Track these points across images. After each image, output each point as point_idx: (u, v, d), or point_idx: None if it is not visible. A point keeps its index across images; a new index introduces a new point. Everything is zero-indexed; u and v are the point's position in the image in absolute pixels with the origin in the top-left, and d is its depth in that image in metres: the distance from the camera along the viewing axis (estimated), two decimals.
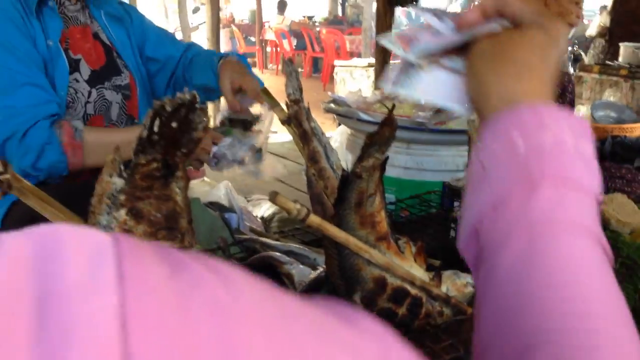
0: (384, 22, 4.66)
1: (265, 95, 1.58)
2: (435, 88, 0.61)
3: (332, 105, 2.11)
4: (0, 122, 1.40)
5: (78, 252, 0.22)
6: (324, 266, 1.19)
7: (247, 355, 0.22)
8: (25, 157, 1.39)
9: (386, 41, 0.65)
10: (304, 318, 0.27)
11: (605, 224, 2.28)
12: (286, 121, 1.42)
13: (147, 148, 0.75)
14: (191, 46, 1.89)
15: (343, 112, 1.99)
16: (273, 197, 0.92)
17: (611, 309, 0.40)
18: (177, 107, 0.72)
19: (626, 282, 1.58)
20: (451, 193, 1.38)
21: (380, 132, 0.99)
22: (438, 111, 1.97)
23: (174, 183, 0.80)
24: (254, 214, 2.27)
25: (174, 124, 0.74)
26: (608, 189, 2.64)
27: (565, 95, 2.57)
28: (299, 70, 12.93)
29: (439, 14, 0.63)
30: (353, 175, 1.01)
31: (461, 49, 0.59)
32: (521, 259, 0.42)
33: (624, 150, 3.57)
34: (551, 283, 0.40)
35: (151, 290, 0.22)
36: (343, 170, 1.06)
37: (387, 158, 1.03)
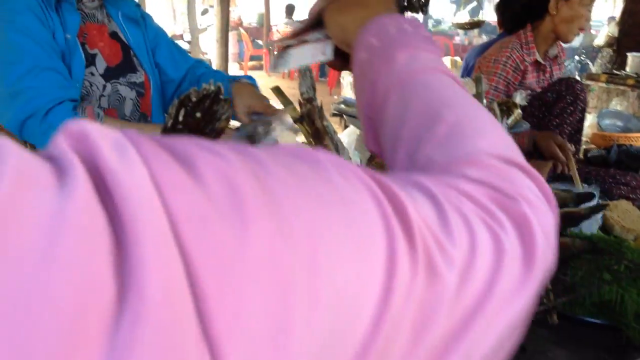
0: None
1: (277, 94, 1.60)
2: (302, 56, 0.80)
3: (342, 105, 2.14)
4: (24, 102, 1.43)
5: (104, 141, 0.25)
6: None
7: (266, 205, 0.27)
8: (46, 135, 1.42)
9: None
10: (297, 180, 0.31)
11: (610, 230, 2.30)
12: (299, 119, 1.45)
13: None
14: (200, 62, 1.92)
15: (352, 113, 2.02)
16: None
17: (472, 100, 0.53)
18: (201, 98, 0.75)
19: (630, 286, 1.60)
20: None
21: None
22: None
23: None
24: None
25: (198, 114, 0.77)
26: (613, 195, 2.66)
27: (577, 104, 2.58)
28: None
29: None
30: None
31: (317, 25, 0.77)
32: (401, 101, 0.54)
33: (629, 159, 3.59)
34: (426, 97, 0.52)
35: (168, 164, 0.26)
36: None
37: None
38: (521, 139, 2.40)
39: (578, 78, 5.39)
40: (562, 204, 1.53)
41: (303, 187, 0.30)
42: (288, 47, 0.81)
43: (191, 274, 0.24)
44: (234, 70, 11.83)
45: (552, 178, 2.86)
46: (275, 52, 0.86)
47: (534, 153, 2.53)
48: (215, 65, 5.65)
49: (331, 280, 0.28)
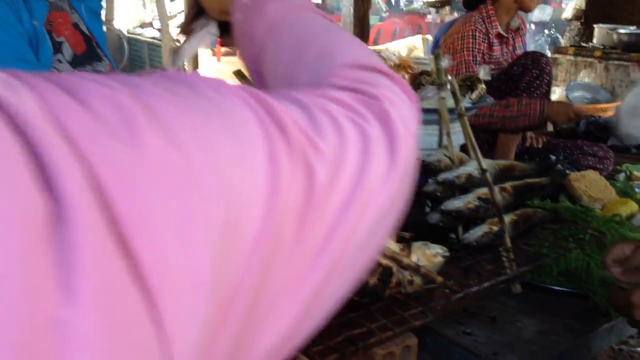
0: (362, 8, 4.67)
1: (240, 78, 1.60)
2: (193, 45, 0.87)
3: None
4: None
5: None
6: None
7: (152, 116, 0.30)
8: None
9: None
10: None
11: (577, 200, 2.34)
12: None
13: None
14: None
15: None
16: None
17: (336, 26, 0.59)
18: None
19: (595, 253, 1.62)
20: (423, 169, 1.41)
21: None
22: (414, 90, 1.99)
23: None
24: None
25: None
26: (580, 166, 2.70)
27: (543, 77, 2.61)
28: None
29: None
30: None
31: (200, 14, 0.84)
32: (275, 44, 0.58)
33: (598, 130, 3.64)
34: (295, 34, 0.57)
35: (56, 92, 0.28)
36: None
37: None
38: (533, 107, 2.51)
39: (548, 52, 5.43)
40: (523, 175, 1.56)
41: (184, 104, 0.32)
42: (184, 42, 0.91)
43: (96, 181, 0.26)
44: (206, 57, 11.69)
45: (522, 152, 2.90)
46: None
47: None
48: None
49: (222, 178, 0.31)
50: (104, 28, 1.80)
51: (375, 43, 9.06)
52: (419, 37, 7.94)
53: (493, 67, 2.35)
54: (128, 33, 8.30)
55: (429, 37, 7.24)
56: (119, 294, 0.25)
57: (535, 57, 2.60)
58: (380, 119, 0.44)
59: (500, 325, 1.46)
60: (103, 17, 1.75)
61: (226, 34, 0.82)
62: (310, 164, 0.36)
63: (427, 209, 1.58)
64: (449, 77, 1.84)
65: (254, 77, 0.65)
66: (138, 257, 0.26)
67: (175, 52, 0.92)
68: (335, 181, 0.38)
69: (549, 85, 2.68)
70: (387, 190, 0.42)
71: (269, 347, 0.36)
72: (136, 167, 0.27)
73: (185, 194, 0.29)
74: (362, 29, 4.47)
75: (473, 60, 2.71)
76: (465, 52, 2.76)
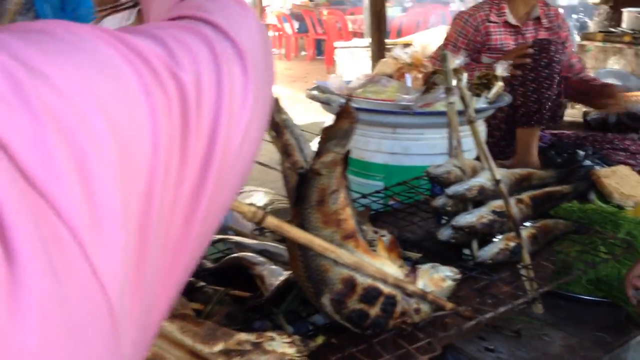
0: (379, 1, 4.57)
1: None
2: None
3: (315, 92, 2.05)
4: None
5: None
6: None
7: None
8: None
9: None
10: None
11: (608, 198, 2.21)
12: None
13: None
14: None
15: (324, 99, 1.92)
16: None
17: None
18: None
19: (627, 259, 1.52)
20: (432, 179, 1.32)
21: (338, 124, 0.93)
22: (424, 92, 1.89)
23: None
24: None
25: None
26: (611, 161, 2.56)
27: (552, 67, 2.46)
28: (303, 53, 12.83)
29: None
30: (312, 172, 0.95)
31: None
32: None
33: (630, 119, 3.46)
34: None
35: None
36: (300, 167, 1.00)
37: (348, 152, 0.97)
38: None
39: (577, 38, 5.23)
40: (542, 183, 1.44)
41: (52, 52, 0.34)
42: None
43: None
44: None
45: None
46: None
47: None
48: None
49: (107, 116, 0.33)
50: None
51: (399, 35, 8.91)
52: (443, 27, 7.77)
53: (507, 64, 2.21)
54: None
55: None
56: (51, 236, 0.28)
57: (543, 46, 2.44)
58: (226, 37, 0.47)
59: (525, 340, 1.37)
60: None
61: None
62: (178, 88, 0.39)
63: (443, 222, 1.48)
64: (463, 77, 1.73)
65: None
66: (51, 199, 0.29)
67: None
68: (201, 99, 0.41)
69: (559, 75, 2.53)
70: (248, 100, 0.46)
71: (185, 264, 0.41)
72: (26, 112, 0.29)
73: (78, 136, 0.31)
74: (378, 23, 4.37)
75: (452, 45, 2.63)
76: (451, 32, 2.68)
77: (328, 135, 0.93)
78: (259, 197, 2.42)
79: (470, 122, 1.26)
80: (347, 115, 0.94)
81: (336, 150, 0.94)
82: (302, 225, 0.97)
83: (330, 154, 0.94)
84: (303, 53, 12.68)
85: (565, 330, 1.43)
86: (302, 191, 0.97)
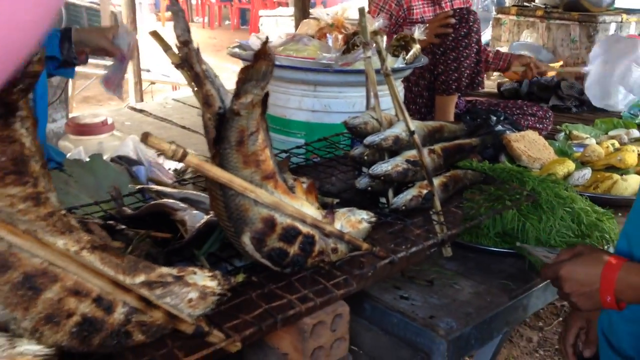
0: None
1: (156, 38, 1.50)
2: None
3: (237, 50, 2.04)
4: None
5: None
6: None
7: None
8: None
9: None
10: None
11: (517, 160, 2.34)
12: (179, 65, 1.36)
13: None
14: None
15: (246, 56, 1.92)
16: (145, 138, 0.87)
17: None
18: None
19: (531, 213, 1.62)
20: (350, 130, 1.36)
21: (256, 65, 0.95)
22: (345, 52, 1.93)
23: (18, 123, 0.73)
24: (166, 167, 2.20)
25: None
26: (521, 126, 2.70)
27: (471, 36, 2.55)
28: (227, 22, 12.59)
29: None
30: (231, 112, 0.97)
31: None
32: None
33: (540, 90, 3.66)
34: None
35: None
36: (219, 107, 1.02)
37: (267, 94, 1.00)
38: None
39: (494, 12, 5.42)
40: (453, 136, 1.51)
41: None
42: None
43: None
44: (151, 22, 11.35)
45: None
46: None
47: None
48: (124, 16, 5.37)
49: None
50: None
51: (324, 6, 8.91)
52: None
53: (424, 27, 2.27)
54: None
55: None
56: None
57: (462, 15, 2.53)
58: None
59: (437, 288, 1.45)
60: None
61: None
62: None
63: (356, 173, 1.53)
64: (382, 38, 1.78)
65: None
66: None
67: None
68: None
69: (478, 44, 2.63)
70: None
71: None
72: None
73: None
74: None
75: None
76: (376, 9, 2.74)
77: (246, 76, 0.94)
78: None
79: (387, 76, 1.31)
80: (264, 56, 0.96)
81: (255, 92, 0.96)
82: (222, 165, 0.99)
83: (249, 95, 0.96)
84: (227, 22, 12.46)
85: (473, 279, 1.53)
86: (221, 131, 0.99)
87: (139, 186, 1.37)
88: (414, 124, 1.30)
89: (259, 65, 0.94)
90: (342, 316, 1.11)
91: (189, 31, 1.32)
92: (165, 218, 1.23)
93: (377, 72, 1.38)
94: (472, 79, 2.63)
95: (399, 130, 1.31)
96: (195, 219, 1.19)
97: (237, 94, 0.95)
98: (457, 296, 1.45)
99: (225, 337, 0.91)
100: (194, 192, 1.30)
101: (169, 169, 2.21)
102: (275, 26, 6.53)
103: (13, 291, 0.74)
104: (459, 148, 1.48)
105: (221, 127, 0.99)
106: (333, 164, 1.68)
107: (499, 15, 4.62)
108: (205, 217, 1.16)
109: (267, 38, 1.06)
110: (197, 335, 0.88)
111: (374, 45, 1.36)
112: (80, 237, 0.78)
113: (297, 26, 4.65)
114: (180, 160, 0.92)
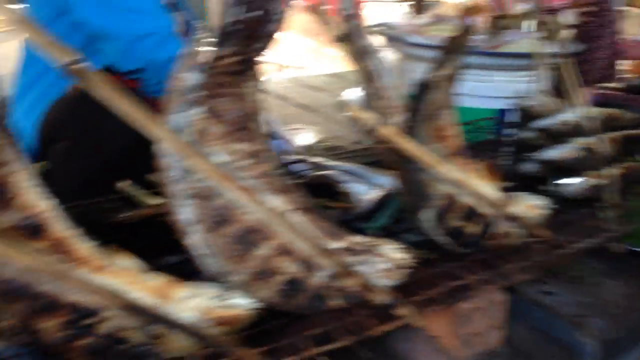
0: None
1: (315, 13, 1.50)
2: None
3: (384, 29, 2.02)
4: None
5: None
6: (386, 186, 1.14)
7: None
8: None
9: None
10: None
11: None
12: (341, 38, 1.35)
13: (224, 40, 0.70)
14: None
15: (395, 35, 1.89)
16: (345, 107, 0.87)
17: None
18: None
19: None
20: (522, 115, 1.30)
21: (460, 36, 0.92)
22: (493, 33, 1.87)
23: (250, 82, 0.74)
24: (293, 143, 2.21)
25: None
26: None
27: (605, 31, 2.42)
28: None
29: None
30: (428, 84, 0.95)
31: None
32: None
33: None
34: None
35: None
36: (416, 81, 1.00)
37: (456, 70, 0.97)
38: None
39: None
40: (631, 124, 1.43)
41: None
42: None
43: None
44: None
45: None
46: None
47: None
48: None
49: None
50: None
51: None
52: None
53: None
54: None
55: None
56: None
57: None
58: None
59: (584, 286, 1.39)
60: None
61: None
62: None
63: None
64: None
65: None
66: None
67: None
68: None
69: (612, 35, 2.49)
70: None
71: None
72: None
73: None
74: None
75: None
76: None
77: (452, 46, 0.92)
78: (309, 136, 2.42)
79: (563, 58, 1.24)
80: (467, 31, 0.93)
81: (454, 65, 0.94)
82: (411, 138, 0.97)
83: (448, 68, 0.94)
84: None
85: (624, 280, 1.44)
86: (415, 103, 0.97)
87: (296, 157, 1.38)
88: (591, 110, 1.23)
89: (462, 37, 0.92)
90: (501, 304, 1.08)
91: (355, 6, 1.31)
92: (324, 189, 1.23)
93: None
94: (606, 71, 2.50)
95: (576, 115, 1.25)
96: (359, 191, 1.18)
97: (440, 65, 0.93)
98: (605, 296, 1.37)
99: (411, 311, 0.90)
100: (358, 165, 1.29)
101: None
102: (379, 11, 6.46)
103: (231, 244, 0.76)
104: (635, 139, 1.39)
105: (417, 99, 0.97)
106: (479, 148, 1.64)
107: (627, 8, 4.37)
108: (374, 192, 1.15)
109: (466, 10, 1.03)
110: (388, 307, 0.87)
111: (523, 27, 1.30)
112: (295, 198, 0.79)
113: (412, 11, 4.58)
114: (375, 131, 0.91)
